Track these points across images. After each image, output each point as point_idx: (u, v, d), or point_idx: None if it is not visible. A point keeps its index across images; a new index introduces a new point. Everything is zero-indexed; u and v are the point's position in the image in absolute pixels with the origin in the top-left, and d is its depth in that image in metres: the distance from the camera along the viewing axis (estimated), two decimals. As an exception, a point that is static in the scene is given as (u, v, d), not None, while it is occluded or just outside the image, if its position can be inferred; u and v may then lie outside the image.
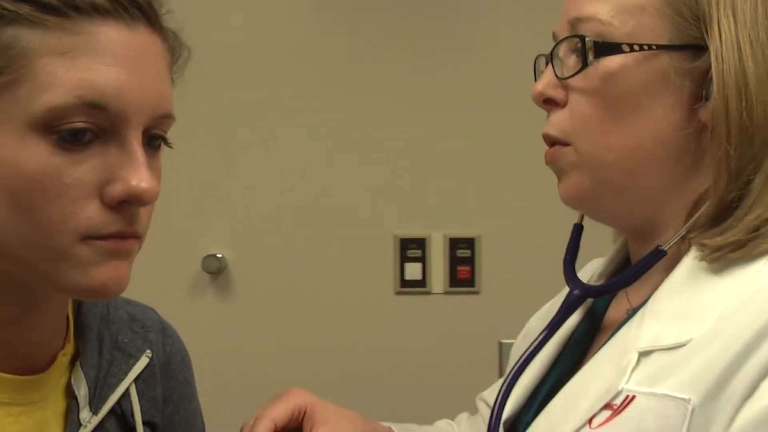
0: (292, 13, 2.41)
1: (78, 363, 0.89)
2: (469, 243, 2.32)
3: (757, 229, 0.83)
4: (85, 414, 0.88)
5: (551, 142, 0.94)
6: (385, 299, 2.35)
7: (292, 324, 2.30)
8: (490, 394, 1.18)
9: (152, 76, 0.79)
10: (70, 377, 0.89)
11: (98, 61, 0.75)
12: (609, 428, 0.83)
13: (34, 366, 0.85)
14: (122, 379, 0.93)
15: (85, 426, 0.88)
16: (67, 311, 0.90)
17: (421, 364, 2.29)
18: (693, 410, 0.78)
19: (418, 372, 2.29)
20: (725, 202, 0.85)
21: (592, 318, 1.02)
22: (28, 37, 0.74)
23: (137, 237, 0.80)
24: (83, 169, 0.76)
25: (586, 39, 0.89)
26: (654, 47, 0.86)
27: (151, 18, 0.80)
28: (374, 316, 2.30)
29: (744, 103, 0.83)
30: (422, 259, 2.35)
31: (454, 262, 2.33)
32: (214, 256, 2.35)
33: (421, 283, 2.33)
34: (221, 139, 2.32)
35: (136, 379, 0.95)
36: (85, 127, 0.75)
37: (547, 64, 0.95)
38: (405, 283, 2.35)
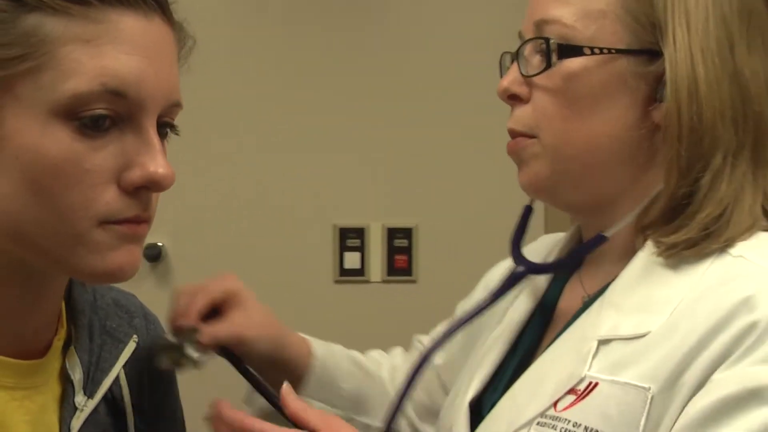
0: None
1: (73, 348, 0.91)
2: (407, 233, 2.37)
3: (707, 227, 0.89)
4: (80, 398, 0.90)
5: (515, 134, 0.99)
6: (325, 287, 2.38)
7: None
8: (429, 339, 1.24)
9: (166, 66, 0.82)
10: (63, 362, 0.91)
11: (120, 50, 0.77)
12: (574, 411, 0.89)
13: (33, 351, 0.87)
14: (113, 364, 0.95)
15: (81, 410, 0.90)
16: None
17: (359, 350, 2.32)
18: (652, 398, 0.83)
19: (356, 358, 2.34)
20: (676, 199, 0.90)
21: (545, 305, 1.07)
22: (51, 24, 0.75)
23: (149, 222, 0.82)
24: (102, 156, 0.77)
25: (551, 41, 0.94)
26: (613, 51, 0.92)
27: (164, 9, 0.82)
28: (314, 303, 2.33)
29: (695, 106, 0.88)
30: (361, 249, 2.39)
31: (391, 251, 2.38)
32: (155, 244, 2.35)
33: (360, 272, 2.37)
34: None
35: (124, 364, 0.96)
36: (105, 114, 0.76)
37: (512, 61, 1.00)
38: (344, 272, 2.39)
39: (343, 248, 2.37)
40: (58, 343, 0.90)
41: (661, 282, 0.90)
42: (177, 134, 0.86)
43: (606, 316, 0.91)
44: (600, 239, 0.97)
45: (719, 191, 0.89)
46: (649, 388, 0.84)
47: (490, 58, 2.11)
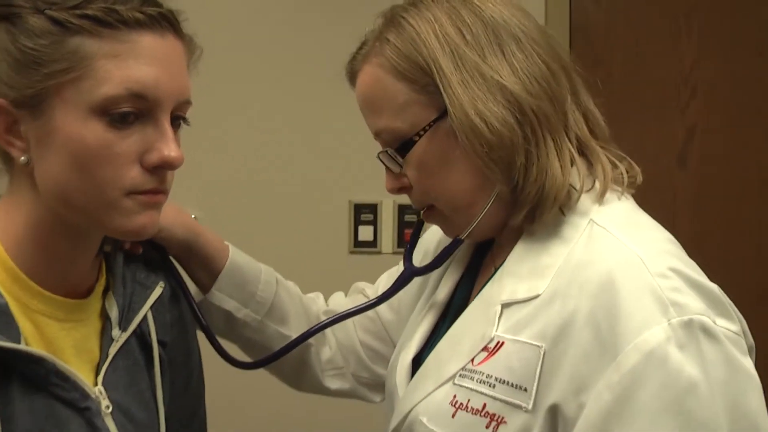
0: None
1: (110, 292, 1.12)
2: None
3: (533, 201, 1.07)
4: (115, 332, 1.10)
5: (420, 209, 1.18)
6: (341, 258, 2.44)
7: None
8: (371, 290, 1.43)
9: (177, 72, 1.01)
10: (103, 304, 1.11)
11: (140, 62, 0.96)
12: (487, 365, 1.06)
13: (78, 293, 1.07)
14: (142, 306, 1.14)
15: (117, 341, 1.10)
16: (101, 255, 1.12)
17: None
18: (544, 353, 1.01)
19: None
20: (505, 196, 1.09)
21: (467, 276, 1.25)
22: (89, 44, 0.95)
23: (165, 193, 1.03)
24: (128, 142, 0.97)
25: (388, 151, 1.13)
26: (431, 124, 1.09)
27: (176, 28, 1.02)
28: (331, 272, 2.31)
29: (478, 134, 1.05)
30: (374, 223, 2.45)
31: (402, 225, 2.44)
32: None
33: (373, 243, 2.45)
34: (191, 114, 2.38)
35: (151, 306, 1.16)
36: (130, 111, 0.96)
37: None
38: (358, 244, 2.46)
39: (358, 222, 2.45)
40: (99, 288, 1.11)
41: (544, 251, 1.08)
42: (188, 125, 1.05)
43: (506, 284, 1.09)
44: (457, 242, 1.17)
45: (531, 176, 1.07)
46: (542, 346, 1.01)
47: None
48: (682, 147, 2.63)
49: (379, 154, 1.16)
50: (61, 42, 0.95)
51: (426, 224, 1.28)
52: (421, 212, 1.19)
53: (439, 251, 1.24)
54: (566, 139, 1.10)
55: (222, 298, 1.28)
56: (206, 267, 1.28)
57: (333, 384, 1.40)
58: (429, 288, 1.30)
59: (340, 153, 2.44)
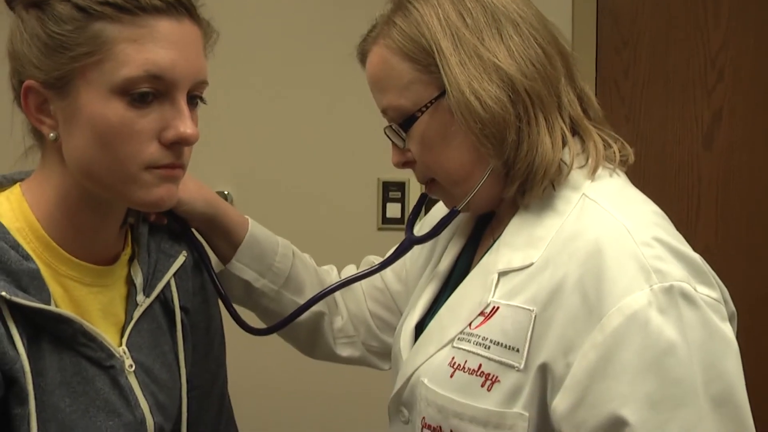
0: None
1: (135, 260, 1.20)
2: None
3: (524, 175, 1.14)
4: (140, 297, 1.18)
5: (422, 182, 1.25)
6: (370, 234, 2.49)
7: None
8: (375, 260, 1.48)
9: (193, 55, 1.07)
10: (129, 271, 1.19)
11: (158, 46, 1.02)
12: (483, 329, 1.13)
13: (105, 260, 1.15)
14: (165, 273, 1.22)
15: (141, 305, 1.18)
16: (127, 225, 1.19)
17: None
18: (535, 317, 1.08)
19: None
20: (499, 170, 1.16)
21: (468, 247, 1.32)
22: (110, 29, 1.01)
23: (182, 167, 1.09)
24: (147, 120, 1.03)
25: (393, 126, 1.19)
26: (432, 101, 1.16)
27: (192, 13, 1.07)
28: (360, 247, 2.24)
29: (472, 110, 1.12)
30: (402, 200, 2.50)
31: (428, 203, 2.50)
32: (222, 192, 2.51)
33: (401, 220, 2.49)
34: (228, 92, 2.38)
35: (174, 274, 1.23)
36: (149, 91, 1.02)
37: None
38: (386, 221, 2.50)
39: (386, 199, 2.50)
40: (125, 257, 1.18)
41: (538, 223, 1.14)
42: (205, 103, 1.11)
43: (502, 254, 1.16)
44: (454, 212, 1.24)
45: (522, 152, 1.14)
46: (533, 310, 1.08)
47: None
48: (707, 129, 2.65)
49: (385, 129, 1.23)
50: (85, 27, 1.02)
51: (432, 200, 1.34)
52: (424, 186, 1.26)
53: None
54: (559, 118, 1.16)
55: (241, 268, 1.36)
56: (227, 239, 1.35)
57: (344, 352, 1.47)
58: (434, 260, 1.37)
59: (369, 132, 2.38)
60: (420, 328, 1.27)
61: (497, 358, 1.09)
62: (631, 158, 1.21)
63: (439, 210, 1.42)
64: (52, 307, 1.05)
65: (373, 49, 1.21)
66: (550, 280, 1.08)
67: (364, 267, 1.52)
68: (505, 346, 1.09)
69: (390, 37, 1.18)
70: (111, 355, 1.12)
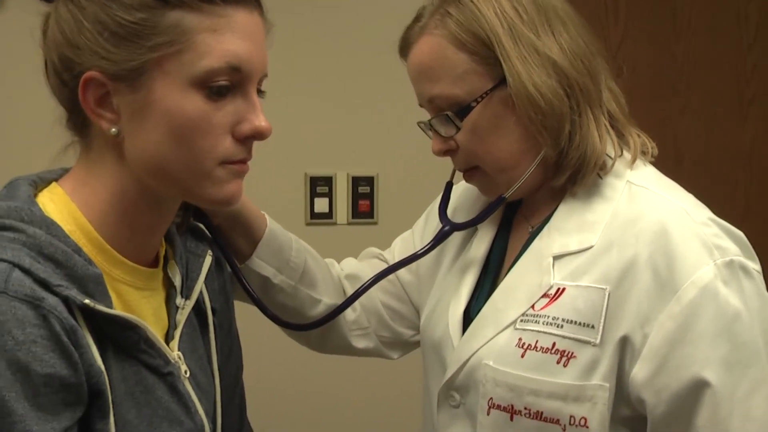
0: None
1: (172, 261, 1.15)
2: (369, 181, 2.49)
3: (576, 166, 1.20)
4: (179, 300, 1.13)
5: (462, 170, 1.28)
6: (298, 229, 2.14)
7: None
8: (388, 254, 1.52)
9: (262, 47, 1.04)
10: (165, 272, 1.13)
11: (236, 37, 0.99)
12: (551, 309, 1.17)
13: (150, 262, 1.10)
14: (199, 274, 1.17)
15: (183, 308, 1.13)
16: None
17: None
18: (609, 294, 1.15)
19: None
20: (550, 160, 1.21)
21: (500, 237, 1.35)
22: (189, 18, 0.97)
23: (248, 162, 1.06)
24: (222, 113, 1.00)
25: (449, 114, 1.21)
26: (487, 93, 1.20)
27: (260, 5, 1.04)
28: None
29: (533, 102, 1.17)
30: (329, 195, 2.49)
31: (355, 197, 2.50)
32: None
33: (328, 215, 2.50)
34: None
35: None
36: (227, 84, 0.99)
37: (430, 128, 1.26)
38: (314, 216, 2.47)
39: (313, 194, 2.49)
40: (162, 258, 1.13)
41: (588, 209, 1.21)
42: (263, 98, 1.07)
43: (555, 239, 1.22)
44: (501, 200, 1.27)
45: (575, 143, 1.20)
46: (606, 288, 1.15)
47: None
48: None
49: (431, 119, 1.24)
50: (161, 16, 0.97)
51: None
52: (463, 173, 1.29)
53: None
54: (601, 112, 1.23)
55: (261, 264, 1.33)
56: (247, 235, 1.32)
57: (359, 343, 1.47)
58: (455, 247, 1.39)
59: (295, 126, 2.46)
60: (467, 317, 1.29)
61: (572, 335, 1.15)
62: (655, 151, 1.29)
63: (434, 206, 1.46)
64: (127, 315, 1.00)
65: (423, 38, 1.22)
66: (620, 260, 1.15)
67: (368, 259, 1.52)
68: (579, 324, 1.15)
69: (446, 27, 1.20)
70: (168, 361, 1.08)
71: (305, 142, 2.48)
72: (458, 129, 1.22)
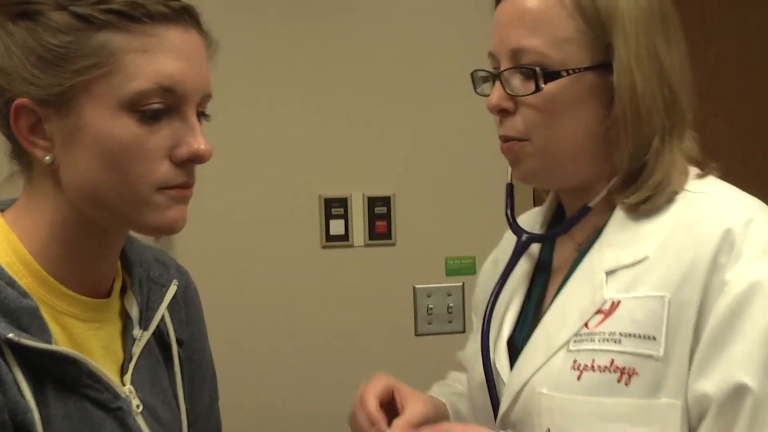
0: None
1: (129, 291, 1.11)
2: (385, 201, 2.44)
3: (656, 188, 1.12)
4: (137, 331, 1.09)
5: (507, 139, 1.16)
6: (313, 252, 2.42)
7: (232, 277, 2.36)
8: (469, 349, 1.39)
9: (201, 66, 1.00)
10: (122, 303, 1.10)
11: (169, 57, 0.95)
12: (607, 324, 1.09)
13: (100, 292, 1.06)
14: (160, 304, 1.13)
15: (140, 340, 1.09)
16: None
17: (344, 307, 2.42)
18: (669, 302, 1.06)
19: (343, 313, 2.42)
20: (631, 171, 1.13)
21: (542, 262, 1.27)
22: (117, 39, 0.94)
23: (191, 187, 1.02)
24: (158, 137, 0.96)
25: (537, 70, 1.10)
26: (582, 70, 1.10)
27: (198, 22, 1.01)
28: (304, 267, 2.40)
29: (635, 104, 1.10)
30: (345, 216, 2.43)
31: (372, 218, 2.44)
32: None
33: (344, 237, 2.44)
34: None
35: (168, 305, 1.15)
36: (161, 107, 0.95)
37: (492, 80, 1.16)
38: (330, 238, 2.42)
39: (329, 216, 2.44)
40: (117, 287, 1.09)
41: (641, 222, 1.13)
42: (208, 120, 1.04)
43: (606, 254, 1.13)
44: (586, 209, 1.18)
45: (662, 163, 1.12)
46: (665, 296, 1.06)
47: (469, 31, 2.19)
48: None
49: (505, 69, 1.14)
50: (88, 38, 0.94)
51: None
52: (503, 142, 1.18)
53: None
54: (686, 137, 1.17)
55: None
56: None
57: None
58: (501, 269, 1.31)
59: (310, 148, 2.43)
60: (512, 345, 1.22)
61: (631, 350, 1.06)
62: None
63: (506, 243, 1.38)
64: (62, 348, 0.96)
65: None
66: (679, 265, 1.07)
67: (451, 383, 1.45)
68: (639, 336, 1.06)
69: None
70: (117, 396, 1.04)
71: (318, 162, 2.45)
72: (537, 90, 1.11)
